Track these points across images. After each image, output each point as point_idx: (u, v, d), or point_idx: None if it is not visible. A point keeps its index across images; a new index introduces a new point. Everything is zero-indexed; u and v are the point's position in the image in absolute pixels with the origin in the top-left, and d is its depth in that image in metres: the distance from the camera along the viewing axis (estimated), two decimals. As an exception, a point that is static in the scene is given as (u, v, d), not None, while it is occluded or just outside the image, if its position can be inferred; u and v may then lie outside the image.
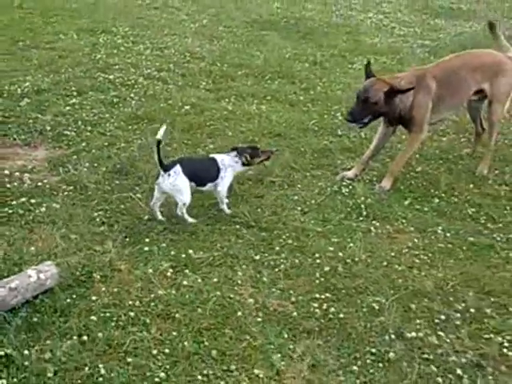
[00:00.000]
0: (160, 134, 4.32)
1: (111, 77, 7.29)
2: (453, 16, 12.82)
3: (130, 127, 6.01)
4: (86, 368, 3.15)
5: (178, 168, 4.38)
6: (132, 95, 6.81)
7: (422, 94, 5.28)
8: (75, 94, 6.72)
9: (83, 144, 5.61)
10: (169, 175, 4.37)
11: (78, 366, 3.16)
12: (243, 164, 4.69)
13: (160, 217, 4.52)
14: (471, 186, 5.48)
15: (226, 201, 4.68)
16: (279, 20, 10.83)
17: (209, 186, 4.61)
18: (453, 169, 5.79)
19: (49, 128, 5.85)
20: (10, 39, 8.49)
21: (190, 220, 4.49)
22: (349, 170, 5.50)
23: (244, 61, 8.28)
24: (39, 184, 4.87)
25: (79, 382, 3.09)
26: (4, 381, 2.98)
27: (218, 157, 4.68)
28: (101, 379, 3.10)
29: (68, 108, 6.33)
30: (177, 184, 4.38)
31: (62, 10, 10.34)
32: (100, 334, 3.36)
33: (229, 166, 4.64)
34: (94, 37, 8.86)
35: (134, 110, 6.42)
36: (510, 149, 6.39)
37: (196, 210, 4.66)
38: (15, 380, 3.03)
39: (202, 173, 4.55)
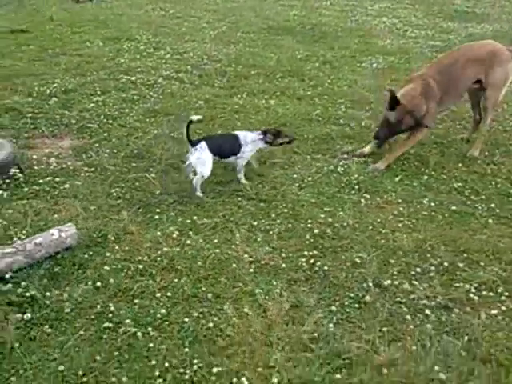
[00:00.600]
0: (193, 117, 5.00)
1: (133, 78, 7.86)
2: (466, 19, 13.17)
3: (147, 120, 6.55)
4: (99, 306, 3.69)
5: (203, 144, 5.01)
6: (151, 93, 7.36)
7: (431, 102, 5.76)
8: (99, 93, 7.29)
9: (105, 134, 6.16)
10: (195, 150, 5.00)
11: (91, 305, 3.70)
12: (266, 142, 5.25)
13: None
14: (460, 165, 5.89)
15: (243, 171, 5.28)
16: (295, 26, 11.32)
17: (232, 159, 5.24)
18: (445, 151, 6.21)
19: (74, 122, 6.42)
20: (40, 47, 9.14)
21: (199, 193, 5.04)
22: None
23: (258, 62, 8.78)
24: (63, 166, 5.44)
25: (92, 317, 3.61)
26: (29, 314, 3.53)
27: (241, 133, 5.27)
28: (111, 315, 3.62)
29: (92, 105, 6.90)
30: (201, 157, 5.00)
31: (90, 21, 10.98)
32: (112, 281, 3.89)
33: (251, 141, 5.22)
34: (119, 44, 9.45)
35: (152, 105, 6.96)
36: (503, 134, 6.77)
37: (205, 185, 5.17)
38: (37, 315, 3.58)
39: (225, 147, 5.17)
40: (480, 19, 13.10)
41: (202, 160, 5.02)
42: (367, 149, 5.95)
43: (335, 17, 12.30)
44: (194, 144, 5.02)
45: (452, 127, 6.89)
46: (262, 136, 5.25)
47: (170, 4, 12.84)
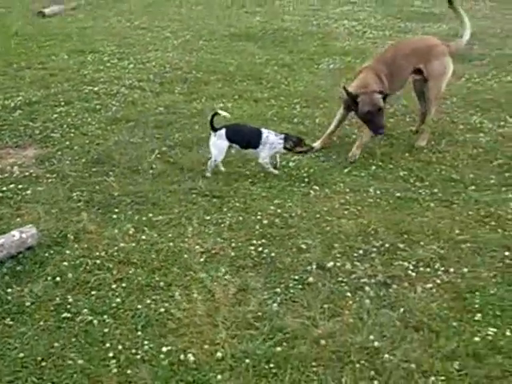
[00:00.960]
0: (220, 111, 5.67)
1: (96, 88, 8.11)
2: (424, 19, 13.55)
3: (108, 128, 6.81)
4: (58, 299, 3.95)
5: (222, 131, 5.53)
6: (113, 102, 7.62)
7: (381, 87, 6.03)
8: (63, 104, 7.54)
9: (67, 143, 6.41)
10: (214, 135, 5.53)
11: (51, 298, 3.96)
12: (285, 148, 5.59)
13: (222, 168, 5.73)
14: (407, 154, 6.21)
15: (267, 167, 5.68)
16: (257, 32, 11.62)
17: (251, 152, 5.67)
18: (394, 143, 6.53)
19: (37, 132, 6.67)
20: (5, 62, 9.36)
21: (208, 174, 5.62)
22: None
23: (218, 68, 9.06)
24: (26, 174, 5.68)
25: (51, 309, 3.87)
26: (-10, 310, 3.79)
27: (266, 132, 5.62)
28: (69, 306, 3.89)
29: (55, 115, 7.16)
30: (216, 143, 5.52)
31: (55, 35, 11.20)
32: (70, 275, 4.16)
33: (271, 142, 5.55)
34: (83, 56, 9.69)
35: (114, 114, 7.22)
36: (451, 124, 7.10)
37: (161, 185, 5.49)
38: (0, 309, 3.82)
39: (244, 139, 5.63)
40: (437, 19, 13.48)
41: (216, 145, 5.54)
42: (317, 144, 6.24)
43: (297, 22, 12.62)
44: (215, 130, 5.53)
45: (402, 120, 7.20)
46: (282, 141, 5.56)
47: (135, 15, 13.10)
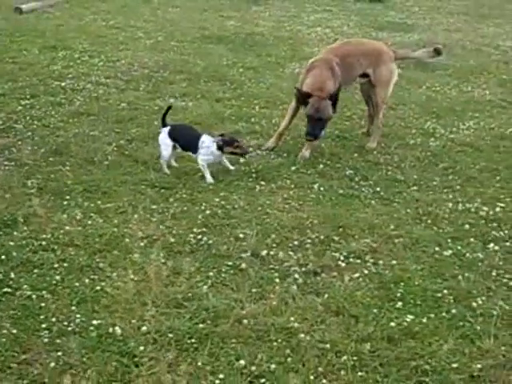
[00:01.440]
0: (171, 103, 5.90)
1: (63, 84, 8.32)
2: (397, 29, 13.85)
3: (70, 121, 7.04)
4: (0, 275, 4.16)
5: (166, 129, 5.74)
6: (78, 97, 7.84)
7: (336, 82, 6.30)
8: (29, 97, 7.74)
9: (29, 133, 6.63)
10: (159, 132, 5.81)
11: (-8, 274, 4.17)
12: (217, 148, 5.65)
13: (175, 164, 5.97)
14: (356, 155, 6.49)
15: (204, 170, 5.72)
16: (230, 35, 11.85)
17: (191, 154, 5.80)
18: (345, 144, 6.81)
19: (1, 123, 6.88)
20: (-24, 55, 9.57)
21: (166, 171, 5.79)
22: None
23: (185, 68, 9.29)
24: (-15, 161, 5.89)
25: (-7, 284, 4.09)
26: None
27: (203, 136, 5.73)
28: (11, 282, 4.12)
29: (20, 108, 7.36)
30: (160, 140, 5.79)
31: (30, 31, 11.35)
32: (15, 254, 4.39)
33: (206, 146, 5.64)
34: (54, 52, 9.85)
35: (77, 108, 7.45)
36: (405, 129, 7.41)
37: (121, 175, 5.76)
38: None
39: (184, 141, 5.79)
40: (409, 29, 13.80)
41: (162, 142, 5.78)
42: (270, 143, 6.49)
43: (270, 27, 12.87)
44: (163, 126, 5.79)
45: (358, 123, 7.46)
46: (215, 141, 5.63)
47: (111, 15, 13.28)
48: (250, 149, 6.36)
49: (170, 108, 5.82)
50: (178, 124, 6.14)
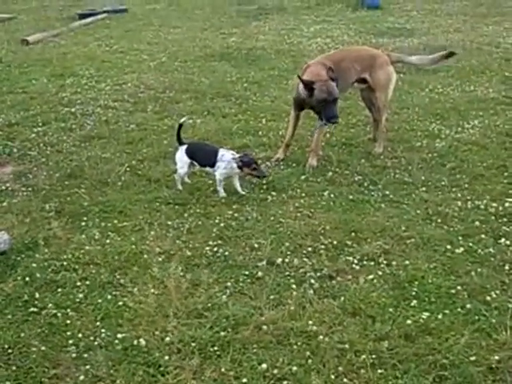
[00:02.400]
0: (182, 120, 6.02)
1: (73, 109, 8.50)
2: (396, 35, 14.00)
3: (82, 145, 7.20)
4: (26, 296, 4.30)
5: (183, 147, 5.86)
6: (88, 122, 8.01)
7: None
8: (41, 124, 7.91)
9: (43, 159, 6.79)
10: (177, 149, 5.91)
11: (19, 295, 4.31)
12: (238, 166, 5.71)
13: (188, 180, 6.11)
14: (363, 160, 6.60)
15: (219, 185, 5.82)
16: (232, 52, 12.02)
17: (209, 170, 5.87)
18: (352, 151, 6.92)
19: (16, 151, 7.05)
20: (-12, 88, 9.79)
21: (179, 187, 5.92)
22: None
23: (190, 87, 9.45)
24: (3, 188, 6.05)
25: (19, 304, 4.23)
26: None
27: (222, 151, 5.80)
28: (36, 302, 4.24)
29: (33, 135, 7.54)
30: (177, 157, 5.90)
31: (37, 60, 11.58)
32: (39, 275, 4.52)
33: (226, 160, 5.68)
34: (62, 80, 10.06)
35: (88, 132, 7.62)
36: (410, 132, 7.52)
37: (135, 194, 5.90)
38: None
39: (201, 157, 5.86)
40: (409, 34, 13.94)
41: (179, 159, 5.88)
42: (280, 154, 6.62)
43: (271, 41, 13.04)
44: (181, 143, 5.91)
45: (363, 130, 7.58)
46: (234, 158, 5.68)
47: (115, 40, 13.50)
48: (259, 161, 6.43)
49: (181, 126, 5.94)
50: (194, 141, 6.34)
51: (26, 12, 17.86)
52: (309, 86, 6.13)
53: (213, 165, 5.75)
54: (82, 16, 16.65)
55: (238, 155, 5.73)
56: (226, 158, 5.69)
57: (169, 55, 11.84)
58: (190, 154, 5.83)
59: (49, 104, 8.82)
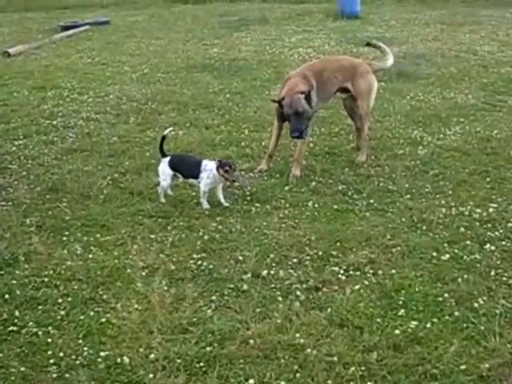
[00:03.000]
0: (166, 132, 6.00)
1: (54, 122, 8.41)
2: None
3: (64, 158, 7.11)
4: (5, 314, 4.20)
5: (166, 159, 5.79)
6: (70, 134, 7.92)
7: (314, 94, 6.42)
8: (22, 137, 7.81)
9: (24, 173, 6.69)
10: (160, 161, 5.85)
11: (-2, 314, 4.21)
12: (219, 172, 5.63)
13: (170, 192, 6.03)
14: (347, 169, 6.57)
15: (205, 197, 5.75)
16: (214, 63, 11.98)
17: (193, 181, 5.82)
18: (335, 160, 6.89)
19: (-4, 164, 6.96)
20: (-32, 101, 9.67)
21: (162, 200, 5.87)
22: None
23: (172, 98, 9.40)
24: (-18, 203, 5.95)
25: (-4, 323, 4.13)
26: None
27: (205, 160, 5.78)
28: (16, 321, 4.14)
29: (14, 148, 7.44)
30: (160, 170, 5.83)
31: (18, 73, 11.47)
32: (18, 292, 4.42)
33: (209, 169, 5.64)
34: (44, 92, 9.97)
35: (70, 145, 7.54)
36: (392, 140, 7.51)
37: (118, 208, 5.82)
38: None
39: (184, 169, 5.81)
40: (389, 42, 13.91)
41: (162, 171, 5.83)
42: (263, 165, 6.57)
43: (253, 51, 13.02)
44: (163, 155, 5.86)
45: (346, 139, 7.56)
46: (217, 164, 5.63)
47: (97, 52, 13.43)
48: (243, 172, 6.41)
49: (164, 138, 5.91)
50: (177, 153, 6.30)
51: (8, 24, 17.76)
52: (279, 103, 6.23)
53: (196, 176, 5.69)
54: (64, 28, 16.54)
55: (217, 161, 5.70)
56: (209, 166, 5.65)
57: (151, 67, 11.78)
58: (173, 165, 5.76)
59: (30, 116, 8.73)
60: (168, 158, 5.81)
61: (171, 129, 6.31)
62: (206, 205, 5.70)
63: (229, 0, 23.48)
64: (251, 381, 3.53)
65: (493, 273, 4.60)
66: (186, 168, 5.80)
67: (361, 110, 6.80)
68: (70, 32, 16.09)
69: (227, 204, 5.76)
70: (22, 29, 16.87)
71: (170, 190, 5.96)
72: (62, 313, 4.20)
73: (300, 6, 20.44)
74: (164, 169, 5.79)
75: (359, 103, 6.77)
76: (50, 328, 4.05)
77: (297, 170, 6.41)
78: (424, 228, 5.30)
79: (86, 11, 20.66)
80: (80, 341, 3.92)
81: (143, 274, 4.63)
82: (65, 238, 5.23)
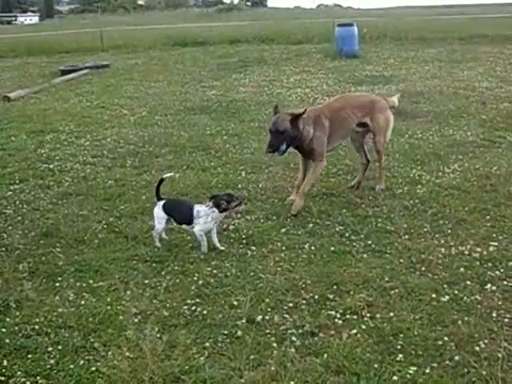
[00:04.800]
0: (165, 175, 6.05)
1: (51, 166, 8.41)
2: (375, 82, 14.18)
3: (59, 202, 7.07)
4: (-8, 366, 4.10)
5: (161, 203, 5.73)
6: (66, 178, 7.91)
7: (319, 131, 6.55)
8: (18, 181, 7.80)
9: (19, 218, 6.64)
10: (155, 204, 5.79)
11: (-13, 365, 4.11)
12: (220, 211, 5.59)
13: (165, 236, 5.97)
14: (344, 210, 6.51)
15: (202, 239, 5.64)
16: (212, 104, 12.06)
17: (187, 227, 5.74)
18: (333, 200, 6.83)
19: (-10, 209, 6.91)
20: (-33, 145, 9.68)
21: (158, 244, 5.81)
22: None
23: (170, 141, 9.42)
24: (-24, 249, 5.89)
25: (-15, 377, 4.03)
26: None
27: (196, 206, 5.65)
28: (4, 370, 4.04)
29: (10, 193, 7.41)
30: (155, 213, 5.77)
31: (17, 117, 11.57)
32: (7, 341, 4.32)
33: (204, 214, 5.55)
34: (42, 136, 10.02)
35: (66, 189, 7.50)
36: (391, 179, 7.49)
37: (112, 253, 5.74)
38: None
39: (178, 214, 5.74)
40: (387, 81, 14.08)
41: (155, 215, 5.77)
42: (293, 197, 6.70)
43: (251, 92, 13.10)
44: (158, 199, 5.79)
45: (344, 179, 7.51)
46: (214, 208, 5.56)
47: (96, 95, 13.54)
48: (239, 215, 6.36)
49: (162, 180, 5.87)
50: (172, 198, 6.25)
51: (10, 69, 17.93)
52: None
53: (189, 222, 5.62)
54: (64, 72, 16.69)
55: (210, 203, 5.60)
56: (203, 212, 5.56)
57: (149, 109, 11.83)
58: (167, 209, 5.69)
59: (27, 161, 8.73)
60: (162, 202, 5.73)
61: (171, 174, 6.39)
62: (205, 248, 5.65)
63: (228, 42, 23.81)
64: (244, 432, 3.39)
65: (494, 314, 4.48)
66: (179, 213, 5.72)
67: (379, 145, 7.02)
68: (70, 76, 16.25)
69: (222, 248, 5.67)
70: (23, 73, 17.04)
71: (164, 234, 5.88)
72: (52, 362, 4.09)
73: (298, 46, 20.68)
74: (158, 212, 5.71)
75: (377, 138, 6.98)
76: (38, 378, 3.95)
77: (301, 201, 6.45)
78: (423, 269, 5.20)
79: (87, 55, 20.89)
80: (69, 392, 3.78)
81: (135, 320, 4.54)
82: (57, 284, 5.15)
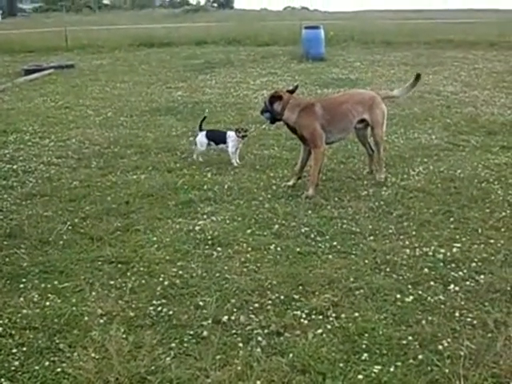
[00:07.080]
0: (205, 114, 8.96)
1: (15, 166, 8.31)
2: (341, 85, 14.28)
3: (23, 203, 6.99)
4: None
5: (203, 132, 8.29)
6: (30, 179, 7.81)
7: (307, 119, 6.97)
8: (-21, 183, 7.70)
9: (-20, 219, 6.56)
10: (200, 134, 8.26)
11: None
12: (240, 137, 8.13)
13: (201, 159, 8.58)
14: (310, 212, 6.54)
15: (234, 157, 8.25)
16: (178, 106, 12.03)
17: (222, 146, 8.26)
18: (299, 202, 6.87)
19: (-48, 212, 6.80)
20: None
21: (199, 159, 8.53)
22: (287, 181, 7.37)
23: (135, 142, 9.37)
24: None
25: None
26: None
27: (229, 132, 8.22)
28: (-36, 370, 3.99)
29: (-29, 195, 7.31)
30: (198, 139, 8.36)
31: (-22, 118, 11.43)
32: (-31, 344, 4.27)
33: (232, 136, 8.11)
34: (5, 136, 9.90)
35: (30, 190, 7.42)
36: (356, 181, 7.55)
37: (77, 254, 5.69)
38: None
39: (217, 138, 8.26)
40: (353, 84, 14.20)
41: (198, 141, 8.33)
42: (290, 182, 7.33)
43: (217, 94, 13.10)
44: (201, 130, 8.29)
45: (309, 181, 7.53)
46: (236, 133, 8.11)
47: (60, 95, 13.41)
48: (205, 216, 6.42)
49: (205, 118, 8.73)
50: (211, 129, 8.65)
51: (-28, 68, 17.66)
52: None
53: (224, 142, 8.11)
54: (28, 71, 16.49)
55: (233, 130, 8.26)
56: (233, 137, 8.09)
57: (115, 110, 11.76)
58: (209, 136, 8.17)
59: (-11, 162, 8.55)
60: (204, 132, 8.18)
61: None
62: (235, 162, 8.15)
63: (194, 43, 23.78)
64: (210, 432, 3.40)
65: (457, 314, 4.56)
66: (218, 137, 8.17)
67: (377, 138, 7.42)
68: (34, 76, 16.03)
69: (237, 164, 8.18)
70: (-15, 73, 16.78)
71: (200, 158, 8.31)
72: (17, 363, 4.06)
73: (265, 48, 20.72)
74: (201, 139, 8.19)
75: (376, 132, 7.37)
76: (2, 380, 3.91)
77: (312, 190, 6.95)
78: (388, 269, 5.26)
79: (51, 54, 20.67)
80: (33, 393, 3.75)
81: (101, 321, 4.52)
82: (21, 286, 5.09)
